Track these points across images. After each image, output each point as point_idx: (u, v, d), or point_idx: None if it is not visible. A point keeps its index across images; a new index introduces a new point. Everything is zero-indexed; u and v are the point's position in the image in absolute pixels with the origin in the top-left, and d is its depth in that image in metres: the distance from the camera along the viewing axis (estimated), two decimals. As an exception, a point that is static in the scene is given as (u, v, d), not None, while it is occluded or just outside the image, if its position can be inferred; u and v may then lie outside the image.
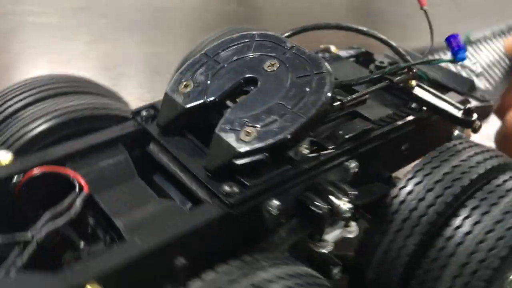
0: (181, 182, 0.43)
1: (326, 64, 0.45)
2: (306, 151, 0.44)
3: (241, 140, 0.41)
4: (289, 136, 0.41)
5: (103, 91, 0.58)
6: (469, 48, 0.70)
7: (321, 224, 0.42)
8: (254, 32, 0.49)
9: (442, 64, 0.62)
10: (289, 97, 0.43)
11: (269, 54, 0.47)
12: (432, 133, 0.54)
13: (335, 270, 0.46)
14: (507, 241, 0.40)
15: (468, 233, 0.41)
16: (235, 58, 0.47)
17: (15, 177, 0.41)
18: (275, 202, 0.41)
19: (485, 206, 0.42)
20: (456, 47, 0.51)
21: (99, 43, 1.18)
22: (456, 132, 0.55)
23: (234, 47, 0.48)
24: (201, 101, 0.45)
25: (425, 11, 0.54)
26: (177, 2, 1.46)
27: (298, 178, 0.43)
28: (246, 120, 0.42)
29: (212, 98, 0.45)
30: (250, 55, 0.47)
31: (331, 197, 0.42)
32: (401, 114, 0.52)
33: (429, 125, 0.54)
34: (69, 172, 0.42)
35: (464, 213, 0.43)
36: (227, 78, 0.46)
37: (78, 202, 0.40)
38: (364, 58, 0.66)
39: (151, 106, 0.49)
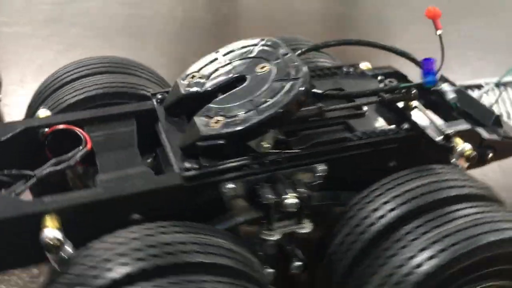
0: (167, 155, 0.51)
1: (305, 72, 0.50)
2: (267, 146, 0.49)
3: (208, 126, 0.48)
4: (242, 129, 0.47)
5: (144, 73, 0.68)
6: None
7: (268, 213, 0.47)
8: (263, 38, 0.56)
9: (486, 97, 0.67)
10: (261, 96, 0.49)
11: (265, 58, 0.53)
12: (423, 156, 0.55)
13: (295, 264, 0.51)
14: (438, 261, 0.42)
15: (403, 247, 0.44)
16: (238, 58, 0.55)
17: (44, 129, 0.53)
18: (231, 186, 0.47)
19: (428, 227, 0.44)
20: (426, 71, 0.54)
21: (69, 50, 1.23)
22: (453, 160, 0.54)
23: (243, 49, 0.56)
24: (197, 90, 0.53)
25: (440, 36, 0.58)
26: (146, 10, 1.51)
27: (255, 169, 0.48)
28: (220, 110, 0.49)
29: (206, 89, 0.53)
30: (251, 57, 0.54)
31: (282, 192, 0.47)
32: (386, 131, 0.54)
33: (417, 147, 0.55)
34: (81, 131, 0.53)
35: (407, 229, 0.45)
36: (224, 74, 0.53)
37: (79, 154, 0.50)
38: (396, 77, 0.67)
39: (167, 91, 0.58)
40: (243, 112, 0.48)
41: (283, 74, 0.50)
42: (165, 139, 0.52)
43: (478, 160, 0.56)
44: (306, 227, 0.50)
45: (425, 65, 0.55)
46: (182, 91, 0.53)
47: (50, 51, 1.10)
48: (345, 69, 0.64)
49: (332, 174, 0.50)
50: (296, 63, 0.51)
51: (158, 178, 0.48)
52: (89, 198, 0.44)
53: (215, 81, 0.53)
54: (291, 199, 0.46)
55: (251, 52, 0.55)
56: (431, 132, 0.53)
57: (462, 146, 0.53)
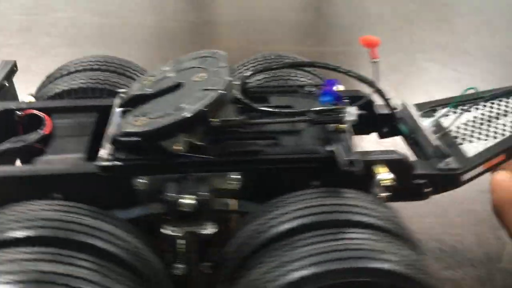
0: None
1: (226, 85, 0.52)
2: (179, 148, 0.52)
3: (130, 124, 0.53)
4: (153, 130, 0.51)
5: (135, 73, 0.75)
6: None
7: (168, 209, 0.51)
8: (210, 51, 0.60)
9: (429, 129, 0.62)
10: (181, 102, 0.52)
11: (205, 68, 0.57)
12: (347, 180, 0.53)
13: (204, 263, 0.54)
14: (302, 273, 0.43)
15: (279, 255, 0.45)
16: (184, 67, 0.59)
17: (20, 112, 0.61)
18: (142, 180, 0.52)
19: (308, 243, 0.45)
20: (324, 91, 0.56)
21: (41, 57, 1.29)
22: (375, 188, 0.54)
23: (192, 59, 0.60)
24: (143, 93, 0.57)
25: (375, 62, 0.58)
26: (116, 20, 1.58)
27: (165, 168, 0.52)
28: (148, 112, 0.54)
29: (150, 92, 0.57)
30: (193, 67, 0.58)
31: (183, 192, 0.50)
32: (310, 151, 0.55)
33: (338, 170, 0.53)
34: (45, 116, 0.60)
35: (289, 241, 0.46)
36: (168, 80, 0.58)
37: (35, 136, 0.58)
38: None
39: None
40: (162, 115, 0.52)
41: (209, 84, 0.54)
42: (107, 131, 0.57)
43: (414, 193, 0.56)
44: (207, 229, 0.52)
45: (326, 85, 0.56)
46: (132, 92, 0.59)
47: (22, 57, 1.16)
48: (307, 89, 0.64)
49: (248, 184, 0.53)
50: (224, 76, 0.54)
51: (79, 164, 0.54)
52: (16, 172, 0.51)
53: (158, 86, 0.57)
54: (188, 200, 0.49)
55: (196, 62, 0.59)
56: (340, 157, 0.52)
57: (382, 175, 0.52)
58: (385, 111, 0.64)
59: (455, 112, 0.63)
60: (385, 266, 0.43)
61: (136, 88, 0.59)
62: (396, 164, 0.54)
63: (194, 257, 0.54)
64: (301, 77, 0.72)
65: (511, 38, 1.49)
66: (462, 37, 1.48)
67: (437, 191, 0.57)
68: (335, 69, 0.59)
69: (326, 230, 0.46)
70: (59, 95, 0.68)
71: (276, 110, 0.56)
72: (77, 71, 0.73)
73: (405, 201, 0.60)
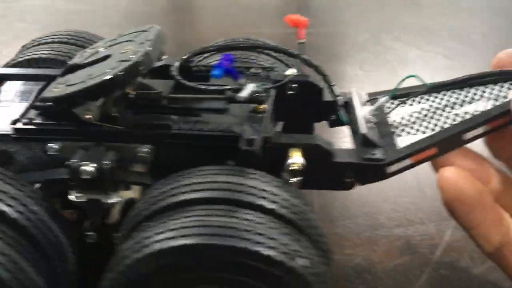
0: None
1: (141, 54, 0.52)
2: (89, 116, 0.52)
3: (50, 90, 0.55)
4: (60, 96, 0.52)
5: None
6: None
7: (71, 175, 0.52)
8: (147, 26, 0.61)
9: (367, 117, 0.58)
10: (98, 72, 0.53)
11: (133, 41, 0.57)
12: (262, 161, 0.52)
13: (89, 233, 0.56)
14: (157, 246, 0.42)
15: (153, 226, 0.45)
16: (120, 40, 0.60)
17: None
18: (52, 145, 0.54)
19: (183, 217, 0.44)
20: (217, 64, 0.55)
21: (14, 41, 1.31)
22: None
23: (129, 34, 0.61)
24: (74, 63, 0.59)
25: (302, 43, 0.59)
26: (90, 6, 1.60)
27: (74, 135, 0.54)
28: (69, 79, 0.55)
29: (83, 63, 0.58)
30: (125, 40, 0.59)
31: (86, 159, 0.51)
32: (223, 130, 0.53)
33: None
34: None
35: (173, 214, 0.45)
36: (100, 52, 0.59)
37: None
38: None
39: None
40: (77, 83, 0.52)
41: (131, 54, 0.53)
42: None
43: (335, 182, 0.54)
44: (111, 198, 0.53)
45: (223, 59, 0.56)
46: (72, 62, 0.60)
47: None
48: (253, 70, 0.64)
49: (161, 158, 0.53)
50: (145, 48, 0.54)
51: (4, 125, 0.55)
52: None
53: (91, 58, 0.58)
54: (88, 167, 0.50)
55: (130, 36, 0.60)
56: (243, 137, 0.51)
57: (292, 159, 0.50)
58: (331, 98, 0.62)
59: (404, 103, 0.58)
60: (252, 247, 0.40)
61: (75, 59, 0.61)
62: (311, 149, 0.52)
63: (103, 226, 0.54)
64: (261, 61, 0.71)
65: (476, 18, 1.53)
66: (428, 18, 1.53)
67: (362, 181, 0.54)
68: (273, 50, 0.62)
69: (208, 206, 0.44)
70: (21, 64, 0.71)
71: (200, 87, 0.55)
72: (46, 42, 0.76)
73: (327, 189, 0.59)
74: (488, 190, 0.50)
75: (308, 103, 0.63)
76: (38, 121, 0.54)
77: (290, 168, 0.50)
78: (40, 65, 0.71)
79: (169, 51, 0.67)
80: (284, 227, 0.44)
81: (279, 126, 0.67)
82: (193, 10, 1.69)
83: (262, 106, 0.54)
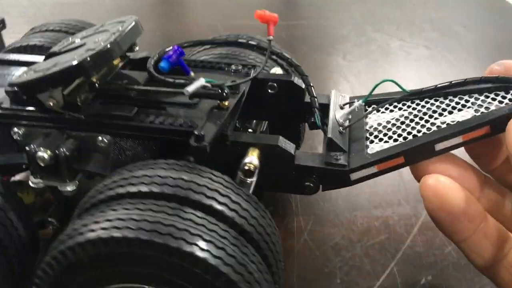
0: None
1: (107, 43, 0.53)
2: (52, 103, 0.53)
3: (20, 75, 0.56)
4: (24, 82, 0.52)
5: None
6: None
7: (29, 161, 0.52)
8: (127, 16, 0.61)
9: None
10: (64, 60, 0.53)
11: (108, 30, 0.58)
12: (220, 158, 0.51)
13: (50, 219, 0.57)
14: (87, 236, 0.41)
15: (92, 215, 0.44)
16: (98, 30, 0.61)
17: None
18: (16, 130, 0.54)
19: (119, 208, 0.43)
20: (165, 56, 0.55)
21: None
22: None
23: (108, 24, 0.61)
24: (53, 50, 0.60)
25: (269, 41, 0.58)
26: (75, -1, 1.61)
27: (36, 120, 0.53)
28: (41, 66, 0.55)
29: (59, 51, 0.59)
30: (101, 30, 0.60)
31: (44, 145, 0.51)
32: (175, 123, 0.52)
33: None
34: None
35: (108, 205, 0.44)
36: (77, 41, 0.60)
37: None
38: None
39: None
40: (44, 69, 0.53)
41: (100, 43, 0.54)
42: None
43: (295, 185, 0.52)
44: (68, 186, 0.53)
45: (172, 50, 0.55)
46: (52, 50, 0.60)
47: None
48: (234, 67, 0.63)
49: (121, 149, 0.53)
50: (115, 38, 0.54)
51: None
52: None
53: (68, 47, 0.59)
54: (43, 153, 0.50)
55: (108, 26, 0.60)
56: (194, 133, 0.48)
57: (249, 159, 0.49)
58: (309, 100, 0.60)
59: (386, 108, 0.55)
60: (172, 243, 0.39)
61: (55, 47, 0.61)
62: (270, 149, 0.50)
63: (61, 213, 0.55)
64: (251, 57, 0.70)
65: (458, 11, 1.56)
66: (411, 11, 1.55)
67: (325, 186, 0.52)
68: (255, 47, 0.62)
69: (147, 200, 0.43)
70: (18, 49, 0.73)
71: (169, 80, 0.55)
72: (47, 30, 0.79)
73: (288, 192, 0.60)
74: (477, 199, 0.46)
75: (290, 103, 0.62)
76: (5, 105, 0.55)
77: (245, 168, 0.48)
78: (34, 52, 0.72)
79: (155, 42, 0.68)
80: (226, 230, 0.42)
81: (264, 125, 0.67)
82: (181, 3, 1.70)
83: (226, 103, 0.53)
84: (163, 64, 0.54)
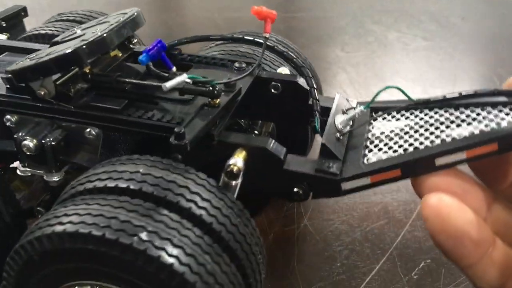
0: None
1: (102, 33, 0.53)
2: (43, 93, 0.53)
3: (17, 63, 0.54)
4: (17, 69, 0.52)
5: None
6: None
7: (16, 148, 0.52)
8: (130, 9, 0.61)
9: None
10: (58, 49, 0.53)
11: (108, 22, 0.58)
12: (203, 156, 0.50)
13: (39, 208, 0.57)
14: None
15: (65, 206, 0.43)
16: (101, 21, 0.61)
17: None
18: (9, 117, 0.54)
19: (87, 202, 0.42)
20: (146, 49, 0.53)
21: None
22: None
23: (111, 16, 0.62)
24: (55, 40, 0.59)
25: (265, 38, 0.56)
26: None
27: (27, 109, 0.53)
28: (38, 55, 0.55)
29: (57, 40, 0.59)
30: (103, 21, 0.60)
31: (31, 134, 0.51)
32: (163, 119, 0.50)
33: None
34: None
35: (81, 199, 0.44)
36: (78, 32, 0.60)
37: None
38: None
39: None
40: (37, 58, 0.53)
41: (96, 34, 0.54)
42: None
43: (284, 191, 0.49)
44: (54, 176, 0.53)
45: (154, 43, 0.54)
46: (55, 39, 0.60)
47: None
48: (237, 65, 0.60)
49: (110, 143, 0.53)
50: (111, 28, 0.54)
51: None
52: None
53: (70, 36, 0.59)
54: (28, 142, 0.51)
55: (111, 18, 0.60)
56: (174, 132, 0.46)
57: (233, 160, 0.46)
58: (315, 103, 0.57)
59: (393, 116, 0.51)
60: (126, 241, 0.37)
61: (59, 37, 0.61)
62: (257, 151, 0.48)
63: (51, 202, 0.54)
64: (243, 50, 0.69)
65: (455, 3, 1.57)
66: (409, 3, 1.56)
67: (315, 194, 0.49)
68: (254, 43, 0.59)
69: (123, 197, 0.42)
70: (35, 37, 0.76)
71: (164, 74, 0.54)
72: (63, 20, 0.81)
73: (277, 197, 0.59)
74: (484, 220, 0.41)
75: (294, 105, 0.59)
76: (3, 92, 0.54)
77: (228, 170, 0.45)
78: (45, 40, 0.73)
79: (154, 35, 0.68)
80: (200, 236, 0.40)
81: (270, 127, 0.65)
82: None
83: (217, 101, 0.51)
84: (141, 57, 0.53)
